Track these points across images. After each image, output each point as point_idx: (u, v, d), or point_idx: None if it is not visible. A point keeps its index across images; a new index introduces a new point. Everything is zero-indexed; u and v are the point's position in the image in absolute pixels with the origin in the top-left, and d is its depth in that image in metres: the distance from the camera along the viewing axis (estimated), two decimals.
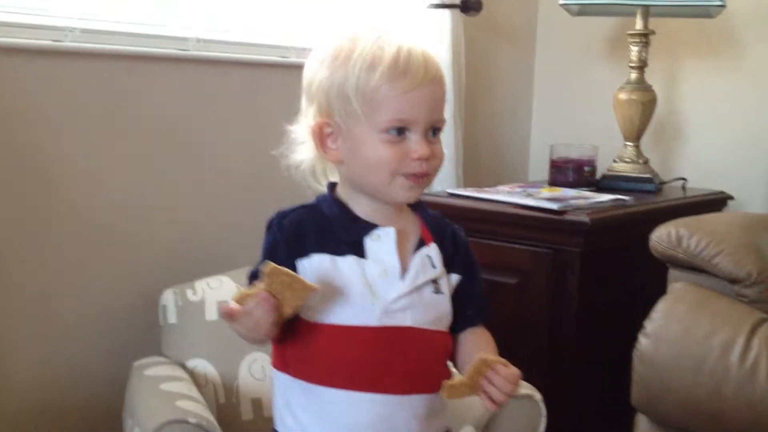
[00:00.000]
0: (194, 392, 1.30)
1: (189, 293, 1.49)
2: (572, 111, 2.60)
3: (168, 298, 1.49)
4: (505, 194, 1.94)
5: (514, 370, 0.96)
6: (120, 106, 1.64)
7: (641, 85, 2.18)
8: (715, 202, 2.16)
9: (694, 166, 2.35)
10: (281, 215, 1.05)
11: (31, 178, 1.53)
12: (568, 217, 1.75)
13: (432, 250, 1.06)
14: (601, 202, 1.88)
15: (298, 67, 1.87)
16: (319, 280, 0.98)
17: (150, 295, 1.57)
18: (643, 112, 2.17)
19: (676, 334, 1.49)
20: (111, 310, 1.66)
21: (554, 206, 1.77)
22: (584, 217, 1.73)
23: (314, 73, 1.04)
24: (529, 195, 1.91)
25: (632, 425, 1.59)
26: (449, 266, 1.08)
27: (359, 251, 1.01)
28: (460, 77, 2.22)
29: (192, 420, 1.15)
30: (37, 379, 1.59)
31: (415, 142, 0.99)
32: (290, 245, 1.02)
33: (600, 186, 2.16)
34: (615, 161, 2.23)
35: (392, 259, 1.02)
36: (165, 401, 1.23)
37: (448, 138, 2.19)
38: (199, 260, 1.70)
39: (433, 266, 1.05)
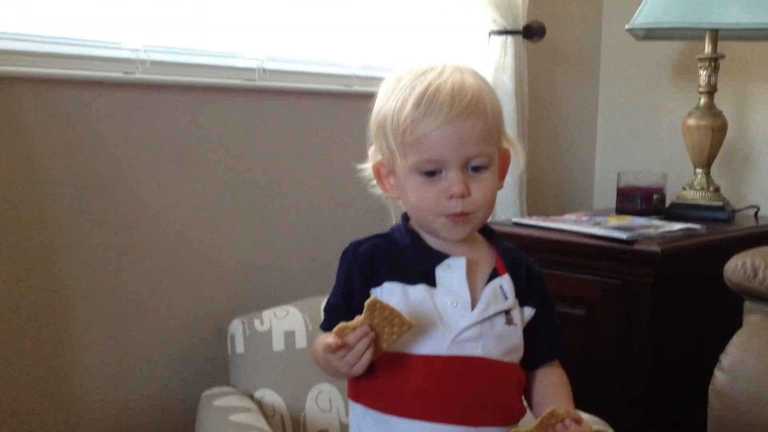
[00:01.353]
0: (263, 423, 1.30)
1: (257, 323, 1.49)
2: (638, 138, 2.56)
3: (236, 327, 1.50)
4: (572, 223, 1.91)
5: (585, 428, 0.95)
6: (187, 138, 1.66)
7: (711, 111, 2.13)
8: None
9: (767, 194, 2.28)
10: (356, 244, 1.06)
11: (102, 211, 1.55)
12: (637, 246, 1.71)
13: (505, 281, 1.05)
14: (672, 231, 1.84)
15: (362, 96, 1.90)
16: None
17: (219, 325, 1.59)
18: (713, 138, 2.12)
19: (754, 369, 1.44)
20: (181, 340, 1.68)
21: (623, 236, 1.74)
22: (655, 247, 1.69)
23: (374, 110, 1.05)
24: (597, 224, 1.88)
25: None
26: (522, 298, 1.07)
27: (430, 281, 1.01)
28: (524, 104, 2.20)
29: None
30: (107, 405, 1.61)
31: (449, 180, 0.98)
32: (364, 273, 1.03)
33: (669, 214, 2.11)
34: (684, 189, 2.18)
35: (462, 290, 1.01)
36: None
37: (511, 166, 2.17)
38: (267, 290, 1.71)
39: (506, 297, 1.04)
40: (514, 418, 1.05)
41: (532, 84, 2.24)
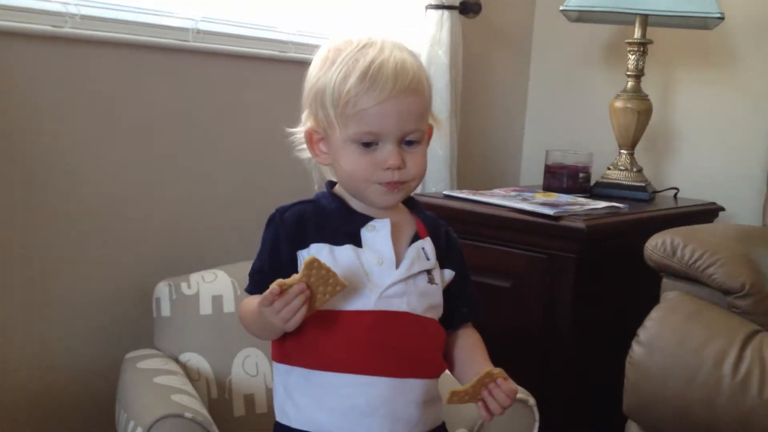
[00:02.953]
0: (188, 386, 1.29)
1: (183, 286, 1.47)
2: (566, 117, 2.61)
3: (162, 290, 1.47)
4: (501, 198, 1.94)
5: (513, 386, 1.02)
6: (116, 96, 1.62)
7: (638, 94, 2.19)
8: (707, 213, 2.17)
9: (686, 176, 2.37)
10: (283, 209, 1.09)
11: (24, 168, 1.51)
12: (563, 222, 1.75)
13: (426, 243, 1.11)
14: (596, 209, 1.88)
15: (296, 63, 1.89)
16: None
17: (144, 288, 1.56)
18: (638, 120, 2.18)
19: (669, 343, 1.50)
20: (105, 302, 1.65)
21: (550, 211, 1.77)
22: (580, 224, 1.73)
23: (308, 78, 1.08)
24: (525, 199, 1.91)
25: None
26: (443, 261, 1.12)
27: (356, 242, 1.06)
28: (457, 79, 2.22)
29: (188, 415, 1.13)
30: (30, 369, 1.57)
31: (386, 152, 1.03)
32: (291, 237, 1.06)
33: (594, 193, 2.17)
34: (609, 169, 2.23)
35: (387, 249, 1.06)
36: (160, 395, 1.21)
37: (443, 139, 2.20)
38: (194, 254, 1.68)
39: (427, 258, 1.09)
40: (436, 372, 1.10)
41: (466, 60, 2.26)
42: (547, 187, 2.19)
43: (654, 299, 1.62)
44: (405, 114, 1.02)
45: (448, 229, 1.18)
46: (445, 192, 2.06)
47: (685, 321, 1.52)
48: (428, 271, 1.09)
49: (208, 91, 1.77)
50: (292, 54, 1.90)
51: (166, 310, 1.46)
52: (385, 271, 1.05)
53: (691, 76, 2.38)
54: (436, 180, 2.20)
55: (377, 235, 1.07)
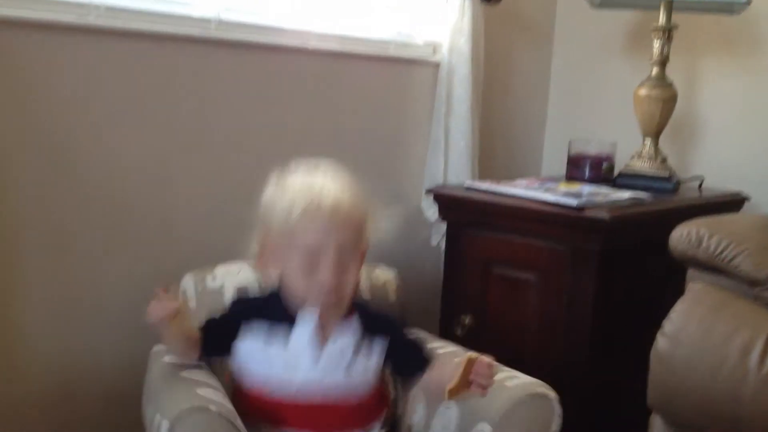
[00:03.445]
0: (213, 380, 1.29)
1: (209, 279, 1.48)
2: (589, 106, 2.59)
3: (188, 282, 1.48)
4: (524, 188, 1.93)
5: (489, 359, 1.22)
6: (139, 87, 1.63)
7: (662, 82, 2.16)
8: (733, 203, 2.15)
9: (711, 166, 2.34)
10: (240, 301, 1.39)
11: (47, 162, 1.52)
12: (587, 213, 1.74)
13: (354, 320, 1.32)
14: (620, 199, 1.87)
15: (320, 54, 1.88)
16: (253, 357, 1.28)
17: (170, 281, 1.56)
18: (663, 108, 2.15)
19: (694, 335, 1.49)
20: (131, 295, 1.66)
21: (573, 202, 1.76)
22: (603, 214, 1.72)
23: (261, 208, 1.30)
24: (548, 190, 1.90)
25: (647, 426, 1.58)
26: (373, 330, 1.32)
27: (287, 337, 1.28)
28: (479, 68, 2.21)
29: (213, 408, 1.14)
30: (56, 363, 1.59)
31: (322, 277, 1.25)
32: (236, 323, 1.30)
33: (617, 183, 2.15)
34: (633, 158, 2.21)
35: (305, 354, 1.27)
36: (186, 388, 1.22)
37: (464, 129, 2.19)
38: (220, 246, 1.69)
39: (353, 333, 1.31)
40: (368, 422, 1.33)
41: (487, 48, 2.24)
42: (570, 178, 2.18)
43: (679, 291, 1.61)
44: (339, 245, 1.24)
45: (379, 309, 1.41)
46: (467, 183, 2.05)
47: (710, 313, 1.50)
48: (355, 343, 1.30)
49: (231, 82, 1.77)
50: (314, 44, 1.89)
51: (192, 302, 1.47)
52: (301, 370, 1.27)
53: (716, 62, 2.35)
54: (458, 171, 2.19)
55: (302, 336, 1.27)
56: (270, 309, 1.31)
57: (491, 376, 1.21)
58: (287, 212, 1.24)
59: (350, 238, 1.26)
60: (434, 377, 1.33)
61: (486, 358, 1.21)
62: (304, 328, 1.28)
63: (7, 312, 1.51)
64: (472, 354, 1.21)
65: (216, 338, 1.30)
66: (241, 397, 1.30)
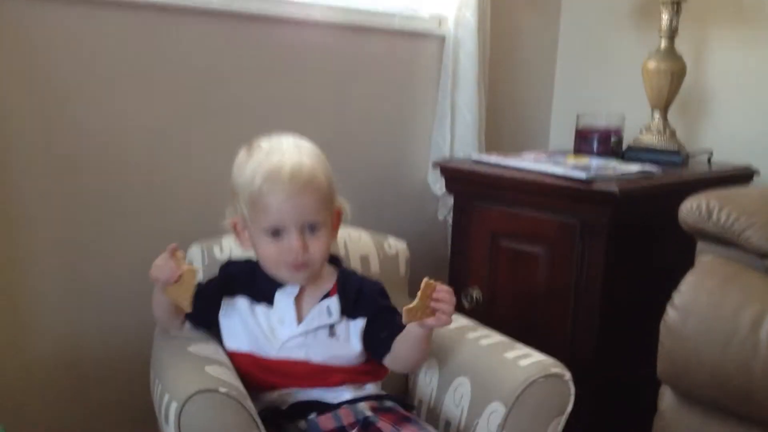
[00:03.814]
0: (221, 355, 1.29)
1: (216, 250, 1.47)
2: (597, 79, 2.56)
3: (194, 254, 1.47)
4: (531, 161, 1.92)
5: (447, 287, 1.24)
6: (145, 60, 1.62)
7: (671, 54, 2.14)
8: (742, 177, 2.13)
9: (720, 139, 2.31)
10: (231, 263, 1.40)
11: (55, 134, 1.51)
12: (596, 186, 1.73)
13: (332, 301, 1.35)
14: (629, 172, 1.86)
15: (322, 26, 1.87)
16: (240, 317, 1.33)
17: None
18: (672, 81, 2.13)
19: (704, 307, 1.48)
20: (138, 266, 1.65)
21: (582, 175, 1.75)
22: (613, 187, 1.71)
23: (232, 177, 1.32)
24: (556, 163, 1.89)
25: (657, 398, 1.58)
26: (352, 313, 1.35)
27: (270, 301, 1.33)
28: (485, 41, 2.19)
29: (222, 390, 1.12)
30: (64, 335, 1.59)
31: (289, 240, 1.27)
32: (223, 286, 1.35)
33: (626, 156, 2.13)
34: (641, 132, 2.20)
35: (289, 311, 1.32)
36: (194, 367, 1.21)
37: (471, 103, 2.17)
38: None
39: (329, 314, 1.33)
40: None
41: (494, 21, 2.22)
42: (578, 151, 2.16)
43: (689, 264, 1.60)
44: (302, 208, 1.26)
45: (365, 282, 1.39)
46: (474, 156, 2.04)
47: (720, 285, 1.49)
48: (330, 326, 1.33)
49: (234, 53, 1.76)
50: (319, 16, 1.88)
51: (199, 273, 1.45)
52: (286, 328, 1.31)
53: (725, 34, 2.32)
54: (464, 145, 2.18)
55: (285, 297, 1.32)
56: (257, 272, 1.34)
57: (451, 302, 1.23)
58: (251, 179, 1.26)
59: (313, 201, 1.27)
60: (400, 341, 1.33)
61: (444, 286, 1.23)
62: (290, 288, 1.33)
63: (15, 284, 1.51)
64: (429, 279, 1.21)
65: (202, 310, 1.31)
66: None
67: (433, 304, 1.22)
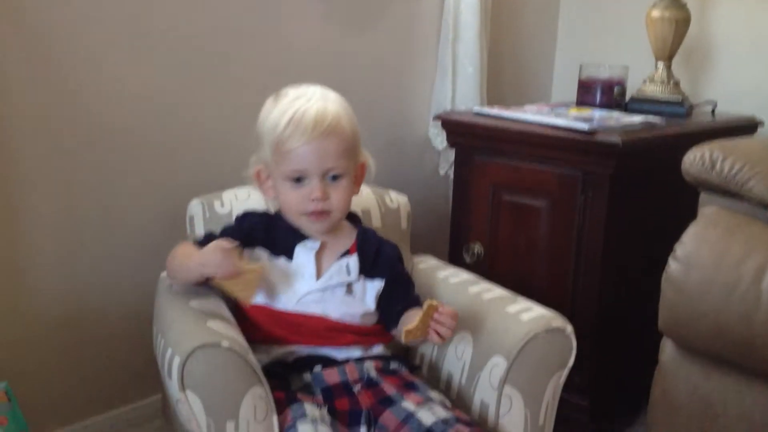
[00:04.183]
0: (223, 309, 1.28)
1: (216, 204, 1.46)
2: (600, 29, 2.53)
3: (195, 208, 1.46)
4: (533, 114, 1.90)
5: (453, 310, 1.25)
6: (142, 14, 1.59)
7: (676, 3, 2.10)
8: (746, 128, 2.11)
9: (725, 91, 2.29)
10: (249, 215, 1.37)
11: (52, 90, 1.50)
12: (598, 137, 1.71)
13: (352, 259, 1.35)
14: (632, 123, 1.84)
15: None
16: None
17: (178, 206, 1.56)
18: (676, 31, 2.10)
19: (707, 258, 1.47)
20: (138, 221, 1.66)
21: (585, 126, 1.73)
22: (615, 138, 1.69)
23: (257, 125, 1.32)
24: (558, 115, 1.87)
25: (658, 350, 1.58)
26: (371, 272, 1.36)
27: (290, 255, 1.32)
28: None
29: (224, 344, 1.12)
30: (62, 290, 1.59)
31: (311, 187, 1.27)
32: (245, 237, 1.32)
33: (629, 108, 2.11)
34: (645, 82, 2.17)
35: (309, 265, 1.32)
36: (196, 321, 1.20)
37: (472, 55, 2.14)
38: (227, 171, 1.67)
39: (348, 273, 1.34)
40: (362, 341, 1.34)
41: None
42: (581, 103, 2.14)
43: (691, 216, 1.59)
44: (325, 153, 1.26)
45: (383, 243, 1.40)
46: (475, 109, 2.02)
47: (723, 236, 1.48)
48: (348, 284, 1.33)
49: (234, 7, 1.73)
50: None
51: (199, 228, 1.45)
52: (305, 283, 1.31)
53: None
54: (466, 98, 2.16)
55: (305, 252, 1.32)
56: (275, 224, 1.34)
57: (451, 326, 1.24)
58: (275, 124, 1.26)
59: (336, 148, 1.27)
60: (405, 322, 1.35)
61: (450, 309, 1.24)
62: (311, 242, 1.33)
63: (13, 242, 1.51)
64: (434, 301, 1.24)
65: None
66: (241, 315, 1.32)
67: (433, 324, 1.24)
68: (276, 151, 1.27)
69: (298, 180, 1.28)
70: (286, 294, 1.30)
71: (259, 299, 1.30)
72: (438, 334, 1.24)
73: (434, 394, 1.26)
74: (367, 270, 1.36)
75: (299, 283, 1.31)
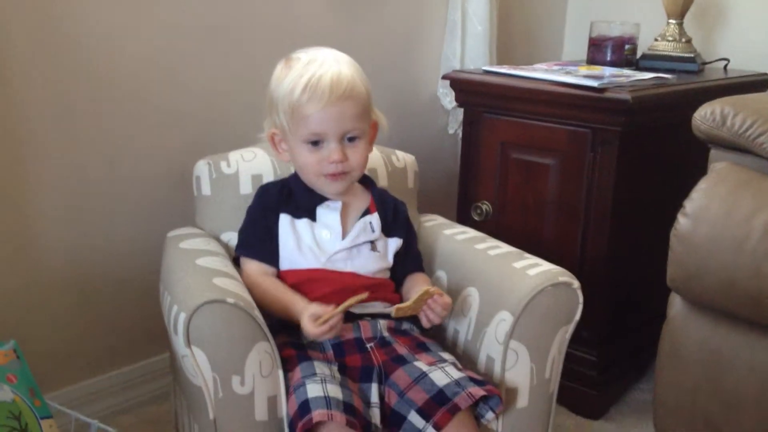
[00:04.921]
0: (230, 268, 1.28)
1: (223, 165, 1.45)
2: None
3: (202, 169, 1.46)
4: (543, 72, 1.88)
5: (447, 300, 1.27)
6: None
7: None
8: (758, 84, 2.09)
9: (737, 48, 2.26)
10: (265, 190, 1.38)
11: (57, 48, 1.49)
12: (608, 94, 1.69)
13: (374, 218, 1.37)
14: (643, 80, 1.82)
15: None
16: (282, 234, 1.32)
17: (184, 166, 1.56)
18: None
19: (716, 214, 1.46)
20: (145, 181, 1.66)
21: (594, 83, 1.72)
22: (625, 95, 1.67)
23: (269, 90, 1.32)
24: (568, 73, 1.85)
25: (666, 305, 1.58)
26: (389, 231, 1.38)
27: (312, 216, 1.34)
28: None
29: (230, 300, 1.12)
30: (70, 248, 1.60)
31: (330, 149, 1.28)
32: (269, 208, 1.35)
33: (640, 65, 2.09)
34: (657, 40, 2.14)
35: (336, 224, 1.33)
36: (202, 278, 1.20)
37: (481, 14, 2.12)
38: (233, 131, 1.67)
39: (372, 231, 1.36)
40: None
41: None
42: (591, 61, 2.12)
43: (701, 173, 1.57)
44: (342, 116, 1.27)
45: (397, 202, 1.43)
46: (484, 67, 2.00)
47: (733, 191, 1.47)
48: (372, 242, 1.35)
49: None
50: None
51: (206, 189, 1.45)
52: (332, 241, 1.32)
53: None
54: (475, 57, 2.14)
55: (329, 212, 1.34)
56: (293, 188, 1.36)
57: (441, 315, 1.27)
58: (290, 90, 1.26)
59: (352, 110, 1.27)
60: (407, 288, 1.39)
61: (445, 299, 1.27)
62: (333, 203, 1.34)
63: (20, 199, 1.51)
64: (432, 288, 1.26)
65: (273, 251, 1.33)
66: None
67: (425, 308, 1.27)
68: (292, 116, 1.27)
69: (316, 143, 1.29)
70: (314, 253, 1.31)
71: (285, 265, 1.32)
72: (427, 318, 1.27)
73: (446, 355, 1.26)
74: (386, 228, 1.38)
75: (327, 243, 1.32)
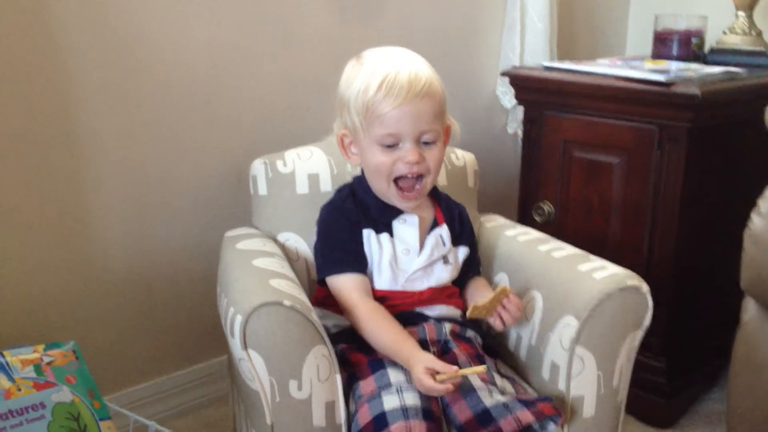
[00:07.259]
0: (287, 269, 1.26)
1: (279, 164, 1.43)
2: None
3: (258, 168, 1.44)
4: (606, 67, 1.82)
5: (520, 301, 1.27)
6: None
7: None
8: None
9: None
10: (341, 200, 1.31)
11: (118, 53, 1.50)
12: (676, 89, 1.63)
13: (444, 230, 1.33)
14: (712, 74, 1.75)
15: None
16: (366, 249, 1.27)
17: (241, 166, 1.55)
18: None
19: None
20: (202, 181, 1.66)
21: (661, 78, 1.65)
22: (694, 90, 1.61)
23: (339, 90, 1.27)
24: (633, 68, 1.79)
25: (740, 309, 1.51)
26: (457, 241, 1.34)
27: (390, 231, 1.29)
28: None
29: (286, 303, 1.10)
30: (130, 250, 1.61)
31: (405, 150, 1.22)
32: (353, 221, 1.28)
33: (708, 60, 2.01)
34: (725, 33, 2.07)
35: (414, 241, 1.29)
36: (259, 280, 1.19)
37: (542, 9, 2.07)
38: (290, 130, 1.66)
39: (444, 244, 1.32)
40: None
41: None
42: (657, 56, 2.05)
43: None
44: (420, 115, 1.20)
45: (461, 208, 1.39)
46: (545, 63, 1.95)
47: None
48: (444, 256, 1.31)
49: None
50: None
51: (262, 188, 1.44)
52: (410, 259, 1.28)
53: None
54: (535, 55, 2.10)
55: (406, 227, 1.29)
56: (365, 201, 1.30)
57: (516, 316, 1.25)
58: (365, 88, 1.21)
59: (430, 110, 1.21)
60: (471, 293, 1.37)
61: (519, 300, 1.26)
62: (410, 217, 1.30)
63: (82, 202, 1.52)
64: (507, 287, 1.25)
65: (365, 263, 1.27)
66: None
67: (499, 308, 1.25)
68: (366, 116, 1.21)
69: (390, 144, 1.22)
70: (393, 271, 1.27)
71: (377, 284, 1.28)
72: (501, 319, 1.25)
73: (498, 379, 1.20)
74: (455, 239, 1.34)
75: (405, 260, 1.28)
